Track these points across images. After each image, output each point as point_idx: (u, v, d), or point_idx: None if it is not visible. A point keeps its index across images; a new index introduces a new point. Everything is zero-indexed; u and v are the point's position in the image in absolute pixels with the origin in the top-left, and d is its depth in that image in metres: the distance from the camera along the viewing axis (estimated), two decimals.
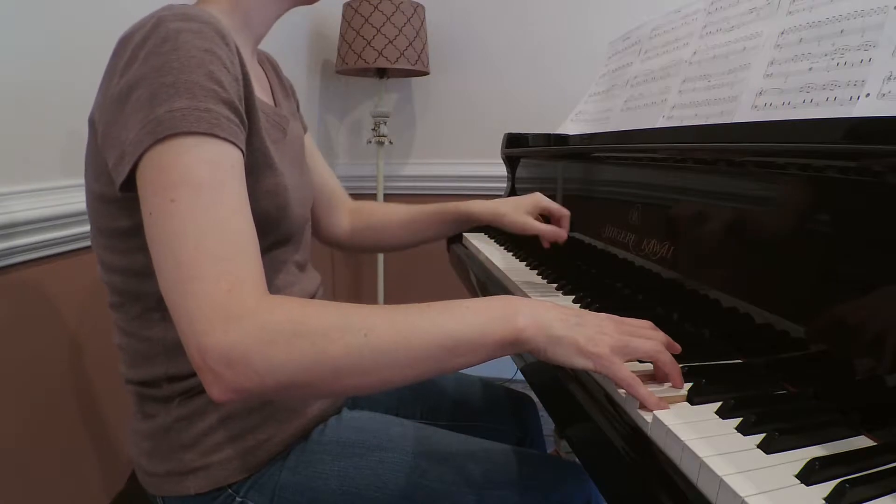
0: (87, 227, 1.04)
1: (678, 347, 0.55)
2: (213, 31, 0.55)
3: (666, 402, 0.49)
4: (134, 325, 0.66)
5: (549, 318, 0.52)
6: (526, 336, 0.51)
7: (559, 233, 0.90)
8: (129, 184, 0.53)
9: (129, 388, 0.69)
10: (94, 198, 0.63)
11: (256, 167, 0.62)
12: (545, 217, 0.96)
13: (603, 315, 0.56)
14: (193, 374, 0.64)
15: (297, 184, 0.72)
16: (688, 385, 0.52)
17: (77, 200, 1.02)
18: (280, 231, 0.69)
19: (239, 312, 0.46)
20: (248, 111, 0.59)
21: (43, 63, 0.96)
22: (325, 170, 0.98)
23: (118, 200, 0.58)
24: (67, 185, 1.02)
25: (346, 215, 1.01)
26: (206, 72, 0.53)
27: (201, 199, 0.49)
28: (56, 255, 1.00)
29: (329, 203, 0.99)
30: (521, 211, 0.91)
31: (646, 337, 0.53)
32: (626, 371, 0.50)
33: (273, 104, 0.79)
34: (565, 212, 0.93)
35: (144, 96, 0.51)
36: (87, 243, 1.06)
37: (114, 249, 0.63)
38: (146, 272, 0.58)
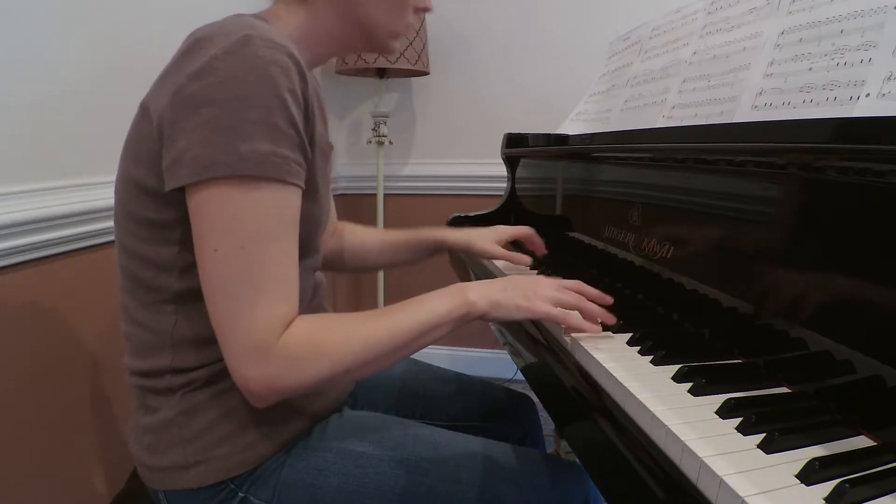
0: (88, 227, 1.06)
1: (609, 300, 0.71)
2: (295, 67, 0.57)
3: (589, 325, 0.67)
4: (144, 313, 0.65)
5: (492, 289, 0.68)
6: (477, 308, 0.66)
7: (523, 258, 1.00)
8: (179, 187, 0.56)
9: (131, 381, 0.69)
10: (130, 182, 0.62)
11: (303, 194, 0.63)
12: (522, 246, 1.07)
13: (536, 277, 0.72)
14: (196, 367, 0.65)
15: (326, 204, 0.75)
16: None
17: (72, 201, 1.03)
18: (306, 247, 0.69)
19: (272, 346, 0.56)
20: (310, 144, 0.62)
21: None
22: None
23: (158, 194, 0.59)
24: (51, 187, 1.02)
25: (328, 238, 1.00)
26: (287, 116, 0.56)
27: (266, 251, 0.56)
28: (54, 255, 1.00)
29: None
30: (487, 240, 1.01)
31: (571, 289, 0.69)
32: (556, 310, 0.67)
33: (323, 130, 0.81)
34: (526, 230, 1.05)
35: (225, 121, 0.54)
36: (91, 243, 1.07)
37: (138, 236, 0.63)
38: (166, 266, 0.62)
